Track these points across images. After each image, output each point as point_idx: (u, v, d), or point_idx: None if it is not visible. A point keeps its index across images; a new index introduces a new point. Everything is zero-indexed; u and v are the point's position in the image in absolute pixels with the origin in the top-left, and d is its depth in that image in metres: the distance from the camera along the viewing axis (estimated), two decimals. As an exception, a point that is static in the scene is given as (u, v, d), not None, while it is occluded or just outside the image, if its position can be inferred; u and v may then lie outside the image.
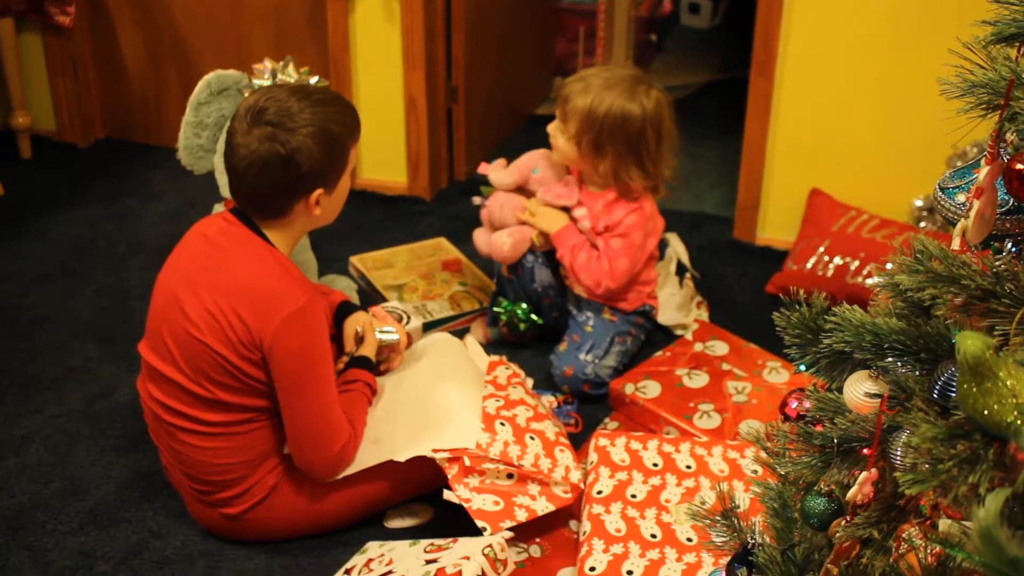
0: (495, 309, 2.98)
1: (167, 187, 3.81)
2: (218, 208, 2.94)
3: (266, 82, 2.70)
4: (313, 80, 2.69)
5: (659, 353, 2.91)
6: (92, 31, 3.96)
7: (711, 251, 3.47)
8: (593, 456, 2.45)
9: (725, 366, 2.84)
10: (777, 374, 2.81)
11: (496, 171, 2.92)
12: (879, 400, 1.32)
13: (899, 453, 1.25)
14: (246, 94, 2.72)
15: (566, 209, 2.86)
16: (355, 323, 2.52)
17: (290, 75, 2.73)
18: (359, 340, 2.50)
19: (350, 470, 2.29)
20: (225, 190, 2.84)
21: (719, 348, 2.92)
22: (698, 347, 2.92)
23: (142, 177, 3.90)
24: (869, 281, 3.05)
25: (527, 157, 2.92)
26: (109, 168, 3.96)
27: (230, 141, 2.16)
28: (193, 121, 2.84)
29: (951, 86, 1.19)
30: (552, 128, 2.79)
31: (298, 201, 2.20)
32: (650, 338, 3.02)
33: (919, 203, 3.18)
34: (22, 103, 3.91)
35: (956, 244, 1.25)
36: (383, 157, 3.75)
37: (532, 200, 2.88)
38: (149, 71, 3.98)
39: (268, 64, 2.74)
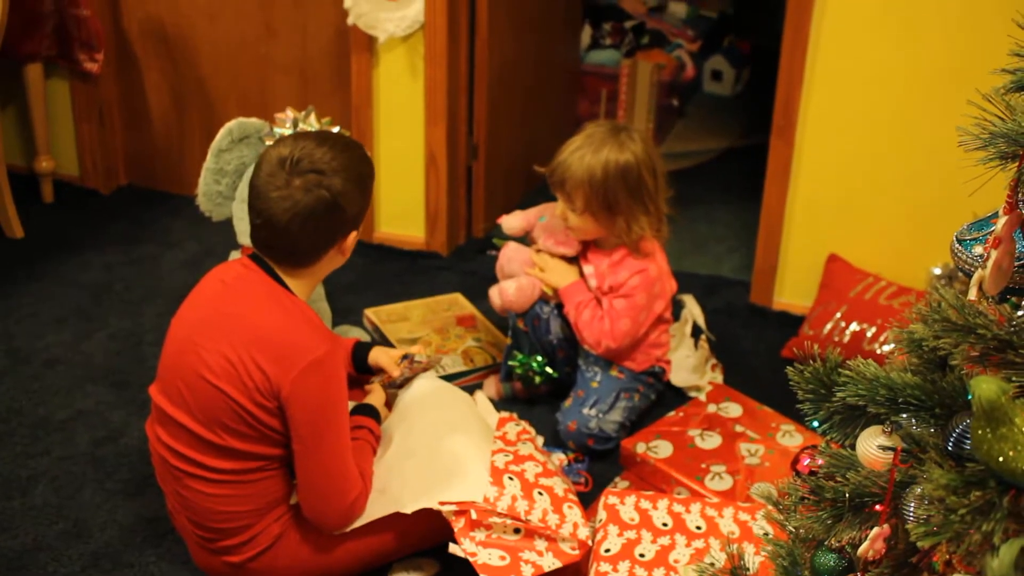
0: (510, 363, 2.96)
1: (186, 235, 3.83)
2: (235, 256, 2.94)
3: (287, 131, 2.71)
4: (335, 130, 2.70)
5: (671, 413, 2.88)
6: (118, 78, 4.00)
7: (728, 314, 3.45)
8: (602, 514, 2.42)
9: (738, 428, 2.81)
10: (791, 437, 2.77)
11: (508, 218, 2.95)
12: (892, 454, 1.30)
13: (912, 507, 1.23)
14: (267, 142, 2.73)
15: (574, 261, 2.86)
16: (384, 354, 2.56)
17: (311, 125, 2.74)
18: (410, 365, 2.55)
19: (358, 522, 2.26)
20: (243, 238, 2.84)
21: (733, 410, 2.89)
22: (711, 408, 2.89)
23: (161, 224, 3.92)
24: (886, 348, 3.02)
25: (540, 207, 2.94)
26: (129, 214, 3.98)
27: (265, 195, 2.12)
28: (214, 168, 2.85)
29: (971, 137, 1.18)
30: (560, 213, 2.79)
31: (334, 246, 2.21)
32: (663, 399, 3.00)
33: (937, 271, 3.16)
34: (47, 147, 3.94)
35: (973, 295, 1.23)
36: (401, 212, 3.76)
37: (541, 255, 2.88)
38: (173, 120, 4.02)
39: (290, 113, 2.76)
